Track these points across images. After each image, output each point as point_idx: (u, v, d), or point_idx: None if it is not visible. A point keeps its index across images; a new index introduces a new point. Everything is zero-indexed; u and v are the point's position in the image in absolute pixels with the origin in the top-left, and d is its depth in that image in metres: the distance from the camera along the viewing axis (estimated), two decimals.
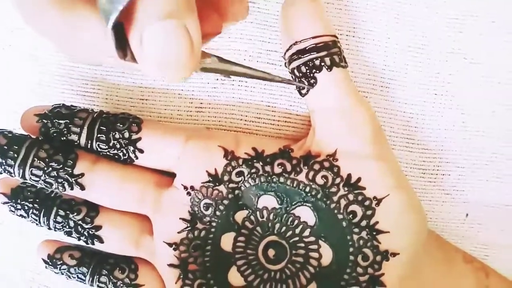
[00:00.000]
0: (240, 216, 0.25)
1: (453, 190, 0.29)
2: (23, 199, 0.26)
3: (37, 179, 0.25)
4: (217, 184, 0.25)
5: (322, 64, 0.24)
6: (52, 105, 0.27)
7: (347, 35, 0.27)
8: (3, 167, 0.25)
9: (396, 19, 0.27)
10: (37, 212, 0.26)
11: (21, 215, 0.27)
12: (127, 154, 0.26)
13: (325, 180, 0.24)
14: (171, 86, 0.28)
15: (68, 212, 0.26)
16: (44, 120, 0.26)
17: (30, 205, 0.26)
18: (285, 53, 0.25)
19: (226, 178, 0.25)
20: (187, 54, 0.17)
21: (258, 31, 0.27)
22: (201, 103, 0.28)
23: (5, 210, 0.27)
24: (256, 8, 0.27)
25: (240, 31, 0.27)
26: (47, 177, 0.25)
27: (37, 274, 0.31)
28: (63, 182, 0.25)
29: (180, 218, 0.25)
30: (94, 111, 0.27)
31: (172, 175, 0.27)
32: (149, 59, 0.17)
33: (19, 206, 0.26)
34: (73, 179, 0.25)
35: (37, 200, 0.26)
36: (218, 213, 0.25)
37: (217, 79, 0.28)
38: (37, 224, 0.27)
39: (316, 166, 0.24)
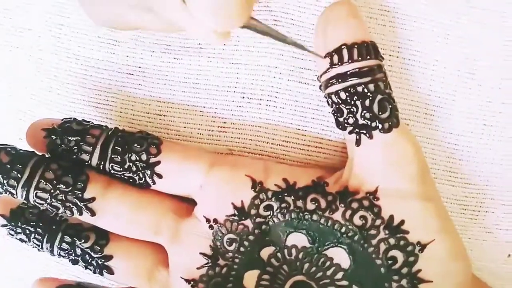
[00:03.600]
0: (266, 252, 0.23)
1: (495, 229, 0.26)
2: (24, 222, 0.24)
3: (42, 202, 0.23)
4: (243, 218, 0.23)
5: (365, 91, 0.21)
6: (62, 119, 0.25)
7: (390, 55, 0.25)
8: (4, 187, 0.23)
9: (445, 40, 0.24)
10: (40, 237, 0.24)
11: (20, 239, 0.25)
12: (143, 178, 0.23)
13: (363, 221, 0.22)
14: (191, 102, 0.26)
15: (75, 238, 0.24)
16: (52, 136, 0.24)
17: (32, 229, 0.24)
18: (321, 75, 0.23)
19: (253, 212, 0.23)
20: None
21: (290, 47, 0.25)
22: (224, 122, 0.26)
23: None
24: (289, 20, 0.25)
25: (271, 46, 0.25)
26: (53, 200, 0.23)
27: None
28: (72, 206, 0.23)
29: (200, 253, 0.23)
30: (108, 128, 0.24)
31: (191, 201, 0.24)
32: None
33: (19, 230, 0.24)
34: (82, 203, 0.23)
35: (40, 224, 0.24)
36: (242, 249, 0.23)
37: (243, 97, 0.25)
38: (38, 250, 0.25)
39: (354, 205, 0.22)
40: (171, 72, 0.26)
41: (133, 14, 0.20)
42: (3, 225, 0.24)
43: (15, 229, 0.24)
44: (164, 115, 0.26)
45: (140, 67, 0.26)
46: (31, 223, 0.24)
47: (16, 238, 0.25)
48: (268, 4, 0.25)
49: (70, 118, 0.25)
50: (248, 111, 0.26)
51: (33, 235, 0.24)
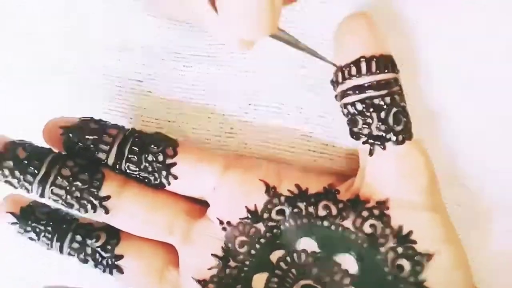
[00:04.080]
0: (275, 255, 0.24)
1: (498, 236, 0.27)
2: (34, 221, 0.24)
3: (58, 199, 0.23)
4: (256, 221, 0.23)
5: (382, 103, 0.22)
6: (80, 118, 0.25)
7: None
8: (20, 182, 0.23)
9: (452, 46, 0.25)
10: (50, 235, 0.24)
11: (30, 238, 0.25)
12: (159, 179, 0.24)
13: (373, 230, 0.22)
14: (200, 108, 0.26)
15: (86, 238, 0.24)
16: (70, 134, 0.24)
17: (42, 228, 0.24)
18: (337, 84, 0.23)
19: (265, 215, 0.23)
20: (268, 7, 0.16)
21: (297, 54, 0.25)
22: (231, 128, 0.26)
23: None
24: (299, 29, 0.26)
25: (278, 54, 0.26)
26: (69, 197, 0.23)
27: None
28: (86, 204, 0.23)
29: (212, 254, 0.24)
30: (125, 128, 0.25)
31: (203, 203, 0.25)
32: (230, 7, 0.16)
33: (29, 228, 0.24)
34: (97, 201, 0.23)
35: (51, 223, 0.24)
36: (253, 251, 0.24)
37: (250, 104, 0.26)
38: (47, 248, 0.25)
39: (365, 213, 0.23)
40: (181, 79, 0.27)
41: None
42: (13, 223, 0.24)
43: (25, 228, 0.24)
44: (174, 121, 0.27)
45: (150, 74, 0.27)
46: (41, 222, 0.24)
47: (25, 236, 0.25)
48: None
49: (88, 117, 0.25)
50: (255, 117, 0.26)
51: (43, 233, 0.24)
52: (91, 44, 0.27)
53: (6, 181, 0.23)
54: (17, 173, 0.23)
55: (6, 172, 0.23)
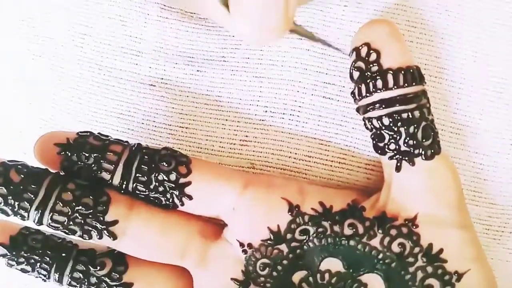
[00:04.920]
0: (297, 276, 0.22)
1: None
2: (27, 250, 0.21)
3: (58, 225, 0.21)
4: (278, 242, 0.22)
5: (410, 117, 0.21)
6: (77, 133, 0.23)
7: None
8: (15, 210, 0.21)
9: (473, 57, 0.24)
10: (47, 266, 0.22)
11: (22, 270, 0.22)
12: (171, 199, 0.22)
13: (402, 249, 0.21)
14: (214, 115, 0.26)
15: (89, 266, 0.22)
16: (67, 153, 0.22)
17: (38, 258, 0.21)
18: (359, 97, 0.22)
19: (289, 236, 0.22)
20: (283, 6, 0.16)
21: (315, 61, 0.25)
22: (246, 136, 0.25)
23: None
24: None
25: (295, 60, 0.25)
26: (71, 224, 0.21)
27: None
28: (91, 230, 0.21)
29: (231, 279, 0.22)
30: (130, 144, 0.23)
31: (217, 222, 0.24)
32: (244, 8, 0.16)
33: (21, 259, 0.21)
34: (104, 227, 0.21)
35: (48, 252, 0.22)
36: (275, 273, 0.22)
37: (266, 111, 0.25)
38: (44, 280, 0.22)
39: (393, 232, 0.22)
40: (194, 84, 0.26)
41: None
42: (2, 255, 0.21)
43: (16, 259, 0.21)
44: (187, 127, 0.26)
45: (162, 78, 0.26)
46: (36, 251, 0.22)
47: (17, 269, 0.22)
48: None
49: (86, 132, 0.23)
50: (271, 125, 0.25)
51: (38, 264, 0.22)
52: (103, 47, 0.26)
53: None
54: (11, 200, 0.21)
55: None
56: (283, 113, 0.25)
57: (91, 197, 0.21)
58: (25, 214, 0.21)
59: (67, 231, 0.22)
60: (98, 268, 0.22)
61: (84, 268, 0.22)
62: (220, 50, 0.25)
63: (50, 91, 0.27)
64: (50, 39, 0.27)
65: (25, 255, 0.22)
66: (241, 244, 0.22)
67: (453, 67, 0.24)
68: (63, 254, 0.22)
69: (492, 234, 0.26)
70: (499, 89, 0.24)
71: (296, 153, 0.25)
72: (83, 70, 0.27)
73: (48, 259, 0.22)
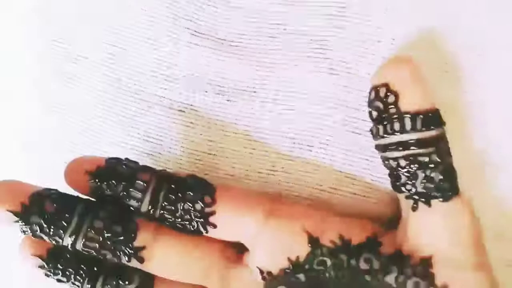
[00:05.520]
0: None
1: None
2: (63, 263, 0.23)
3: (90, 250, 0.23)
4: (298, 272, 0.23)
5: (428, 160, 0.21)
6: (107, 160, 0.23)
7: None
8: (50, 236, 0.22)
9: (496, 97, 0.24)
10: (81, 278, 0.23)
11: (58, 280, 0.24)
12: (195, 226, 0.23)
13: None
14: (242, 143, 0.26)
15: (119, 281, 0.23)
16: (97, 180, 0.23)
17: (72, 271, 0.23)
18: (378, 136, 0.22)
19: (307, 266, 0.23)
20: None
21: (346, 96, 0.25)
22: (273, 166, 0.26)
23: None
24: (345, 69, 0.24)
25: (326, 93, 0.25)
26: (102, 249, 0.22)
27: None
28: (120, 254, 0.23)
29: None
30: (156, 171, 0.24)
31: (238, 246, 0.24)
32: None
33: (57, 271, 0.23)
34: (132, 251, 0.23)
35: (82, 266, 0.23)
36: None
37: (294, 143, 0.25)
38: None
39: (408, 271, 0.22)
40: (223, 113, 0.26)
41: None
42: (41, 266, 0.23)
43: (54, 271, 0.23)
44: (214, 154, 0.26)
45: (192, 105, 0.26)
46: (72, 264, 0.23)
47: (54, 278, 0.24)
48: (324, 52, 0.25)
49: (114, 158, 0.24)
50: (298, 156, 0.25)
51: (73, 276, 0.23)
52: (135, 71, 0.26)
53: (35, 236, 0.22)
54: (45, 228, 0.22)
55: (35, 227, 0.22)
56: (311, 145, 0.25)
57: (120, 224, 0.23)
58: (60, 240, 0.22)
59: (98, 255, 0.23)
60: (127, 282, 0.24)
61: (115, 282, 0.23)
62: (250, 81, 0.25)
63: (80, 113, 0.27)
64: (84, 58, 0.27)
65: (61, 267, 0.23)
66: (261, 271, 0.23)
67: (475, 104, 0.24)
68: (95, 268, 0.24)
69: None
70: None
71: (321, 185, 0.25)
72: (118, 93, 0.27)
73: (81, 272, 0.23)
